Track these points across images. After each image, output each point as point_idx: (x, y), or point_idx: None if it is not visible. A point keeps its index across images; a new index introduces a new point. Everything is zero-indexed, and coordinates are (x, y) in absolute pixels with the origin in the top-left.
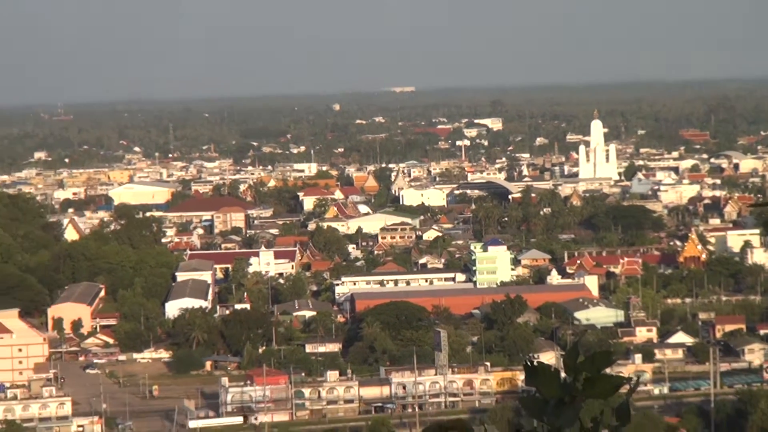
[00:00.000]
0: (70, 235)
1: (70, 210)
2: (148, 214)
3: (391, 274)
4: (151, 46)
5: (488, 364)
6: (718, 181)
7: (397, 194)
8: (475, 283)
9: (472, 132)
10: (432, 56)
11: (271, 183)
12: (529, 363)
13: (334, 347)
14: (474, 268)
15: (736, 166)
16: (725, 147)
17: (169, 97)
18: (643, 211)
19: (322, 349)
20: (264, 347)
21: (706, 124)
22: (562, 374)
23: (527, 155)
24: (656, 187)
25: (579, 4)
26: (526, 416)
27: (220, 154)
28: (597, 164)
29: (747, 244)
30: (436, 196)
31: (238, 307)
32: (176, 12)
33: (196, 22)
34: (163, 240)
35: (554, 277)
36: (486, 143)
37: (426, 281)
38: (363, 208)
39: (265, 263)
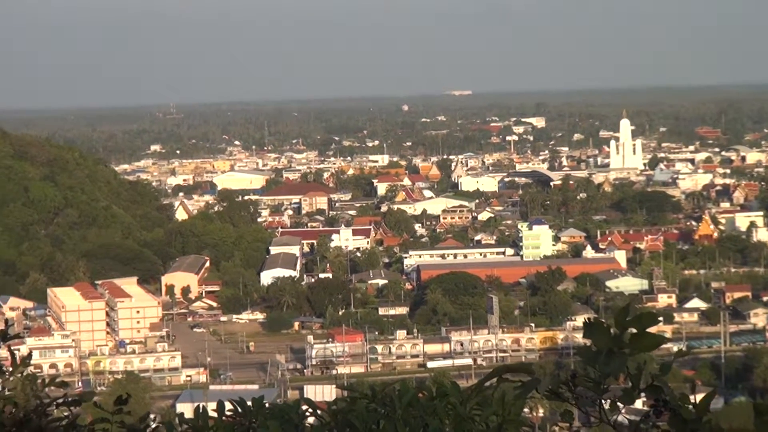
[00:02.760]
0: (181, 215)
1: (181, 194)
2: (246, 197)
3: (451, 249)
4: (251, 55)
5: (533, 324)
6: (728, 171)
7: (456, 181)
8: (521, 256)
9: (519, 129)
10: (486, 64)
11: (350, 171)
12: (587, 320)
13: (402, 310)
14: (521, 243)
15: (744, 158)
16: (734, 142)
17: (265, 99)
18: (664, 196)
19: (392, 311)
20: (343, 310)
21: (717, 123)
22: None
23: (566, 149)
24: (675, 176)
25: (609, 21)
26: (582, 363)
27: (307, 147)
28: (625, 156)
29: (752, 224)
30: (489, 183)
31: (321, 276)
32: (273, 26)
33: (289, 34)
34: (259, 219)
35: (588, 252)
36: (531, 138)
37: (480, 255)
38: (427, 193)
39: (345, 239)
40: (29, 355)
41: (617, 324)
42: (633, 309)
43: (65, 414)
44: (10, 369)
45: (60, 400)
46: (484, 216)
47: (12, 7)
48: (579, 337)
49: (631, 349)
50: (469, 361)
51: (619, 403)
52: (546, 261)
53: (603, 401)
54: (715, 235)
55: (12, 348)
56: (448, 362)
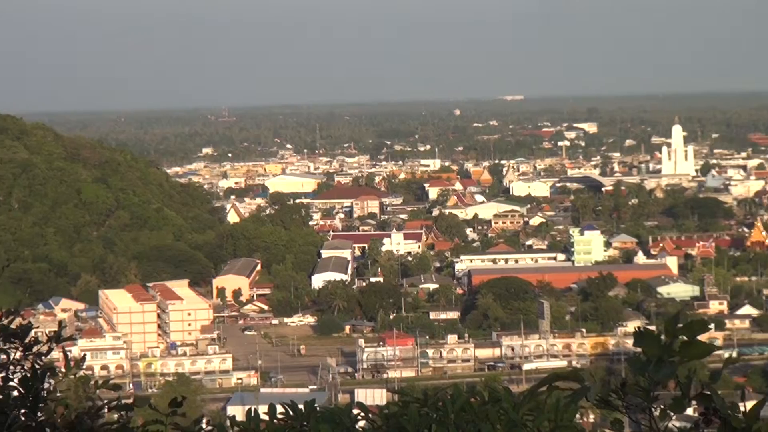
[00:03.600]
0: (232, 217)
1: (232, 197)
2: (297, 200)
3: (503, 254)
4: (303, 58)
5: (584, 330)
6: None
7: (507, 186)
8: (573, 261)
9: (571, 134)
10: (538, 70)
11: (402, 175)
12: (637, 329)
13: (453, 315)
14: (572, 249)
15: None
16: None
17: (317, 102)
18: (716, 202)
19: (443, 316)
20: (394, 314)
21: None
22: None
23: (618, 154)
24: (727, 182)
25: (663, 27)
26: (632, 372)
27: (359, 151)
28: (677, 162)
29: None
30: (541, 188)
31: (373, 279)
32: (326, 29)
33: (341, 37)
34: (310, 222)
35: (640, 258)
36: (583, 144)
37: (532, 260)
38: (479, 198)
39: (396, 243)
40: (83, 358)
41: (667, 332)
42: (683, 317)
43: (117, 416)
44: (63, 370)
45: (113, 404)
46: (535, 221)
47: (64, 12)
48: (630, 343)
49: (681, 358)
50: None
51: (669, 411)
52: (597, 267)
53: (653, 409)
54: (767, 241)
55: (63, 349)
56: (545, 363)
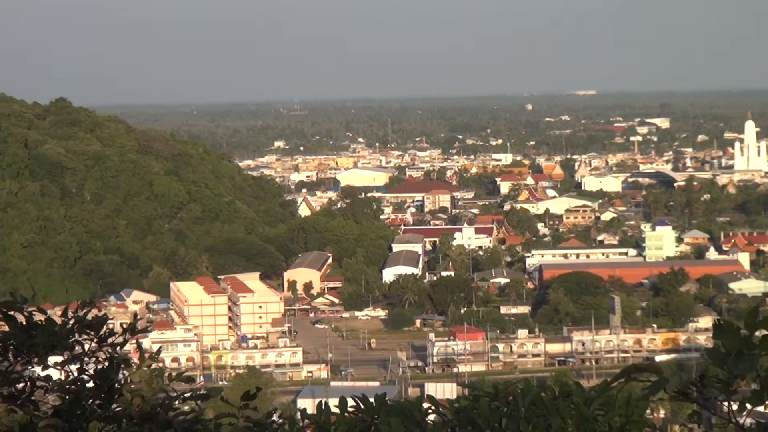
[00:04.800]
0: (304, 211)
1: (304, 190)
2: (369, 194)
3: (574, 249)
4: (375, 52)
5: (655, 325)
6: None
7: (579, 181)
8: (644, 257)
9: (643, 129)
10: (610, 64)
11: (473, 170)
12: (716, 321)
13: (524, 309)
14: (644, 244)
15: None
16: None
17: (389, 96)
18: None
19: (514, 310)
20: (465, 308)
21: None
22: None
23: (690, 150)
24: None
25: (736, 22)
26: (712, 365)
27: (430, 145)
28: (750, 158)
29: None
30: (613, 183)
31: (444, 274)
32: (397, 24)
33: (414, 32)
34: (382, 216)
35: (712, 254)
36: (655, 139)
37: (603, 255)
38: (550, 192)
39: (467, 237)
40: (158, 351)
41: (747, 325)
42: (762, 311)
43: (190, 408)
44: (137, 362)
45: (188, 394)
46: (607, 216)
47: (138, 5)
48: (701, 339)
49: (760, 351)
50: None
51: (747, 405)
52: (669, 262)
53: (731, 402)
54: None
55: (137, 341)
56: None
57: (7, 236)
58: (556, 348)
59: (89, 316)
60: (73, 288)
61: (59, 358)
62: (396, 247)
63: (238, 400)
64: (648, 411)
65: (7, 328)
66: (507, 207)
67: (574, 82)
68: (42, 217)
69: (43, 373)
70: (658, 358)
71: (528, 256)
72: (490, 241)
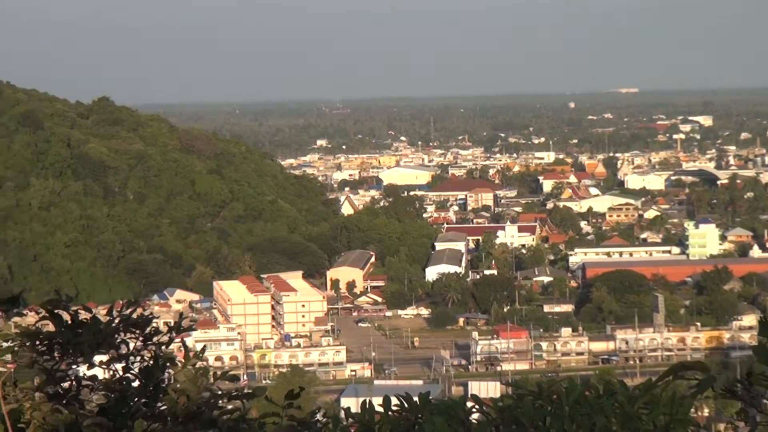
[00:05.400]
0: (346, 209)
1: (346, 189)
2: (411, 193)
3: (617, 247)
4: (418, 51)
5: (698, 324)
6: None
7: (622, 179)
8: (687, 255)
9: (686, 127)
10: (653, 62)
11: (516, 168)
12: (762, 319)
13: (567, 307)
14: (687, 242)
15: None
16: None
17: (431, 95)
18: None
19: (557, 309)
20: (508, 307)
21: None
22: None
23: (733, 147)
24: None
25: None
26: (758, 363)
27: (473, 143)
28: None
29: None
30: (656, 181)
31: (487, 272)
32: (439, 23)
33: (457, 31)
34: (424, 215)
35: (755, 251)
36: (698, 137)
37: (646, 253)
38: (593, 191)
39: (510, 236)
40: (203, 349)
41: None
42: None
43: (234, 407)
44: (182, 361)
45: (233, 393)
46: (650, 214)
47: (181, 4)
48: (745, 337)
49: None
50: None
51: None
52: (712, 260)
53: None
54: None
55: (182, 340)
56: None
57: (50, 235)
58: (599, 346)
59: (134, 315)
60: (116, 287)
61: (104, 357)
62: (439, 246)
63: (281, 399)
64: (692, 409)
65: (52, 327)
66: (550, 205)
67: (616, 80)
68: (85, 216)
69: (88, 372)
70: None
71: (571, 255)
72: (533, 240)
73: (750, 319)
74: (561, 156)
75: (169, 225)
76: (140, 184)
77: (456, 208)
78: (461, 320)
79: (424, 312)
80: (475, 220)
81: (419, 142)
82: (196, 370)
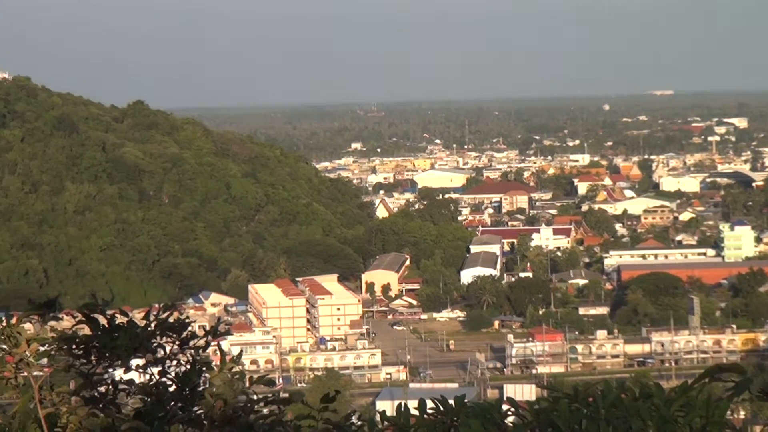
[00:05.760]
0: (381, 212)
1: (381, 192)
2: (446, 195)
3: (652, 249)
4: (453, 54)
5: (734, 326)
6: None
7: (657, 181)
8: (723, 257)
9: (721, 129)
10: (688, 64)
11: (551, 171)
12: None
13: (602, 310)
14: (722, 244)
15: None
16: None
17: (466, 98)
18: None
19: (592, 311)
20: (543, 309)
21: None
22: None
23: None
24: None
25: None
26: None
27: (507, 146)
28: None
29: None
30: (691, 184)
31: (522, 275)
32: (475, 26)
33: (492, 34)
34: (459, 218)
35: None
36: (733, 139)
37: (681, 255)
38: (628, 193)
39: (545, 238)
40: (240, 353)
41: None
42: None
43: (270, 411)
44: (218, 365)
45: (270, 397)
46: (685, 216)
47: (216, 6)
48: None
49: None
50: None
51: None
52: (748, 262)
53: None
54: None
55: (218, 344)
56: None
57: (85, 239)
58: (635, 349)
59: (171, 319)
60: (151, 290)
61: (141, 361)
62: (474, 249)
63: (317, 402)
64: (728, 412)
65: (88, 331)
66: (585, 208)
67: (651, 83)
68: (120, 220)
69: (125, 376)
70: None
71: (606, 257)
72: (568, 242)
73: None
74: (596, 158)
75: (204, 228)
76: (175, 187)
77: (491, 210)
78: (496, 323)
79: (460, 315)
80: (510, 223)
81: (454, 145)
82: (233, 374)
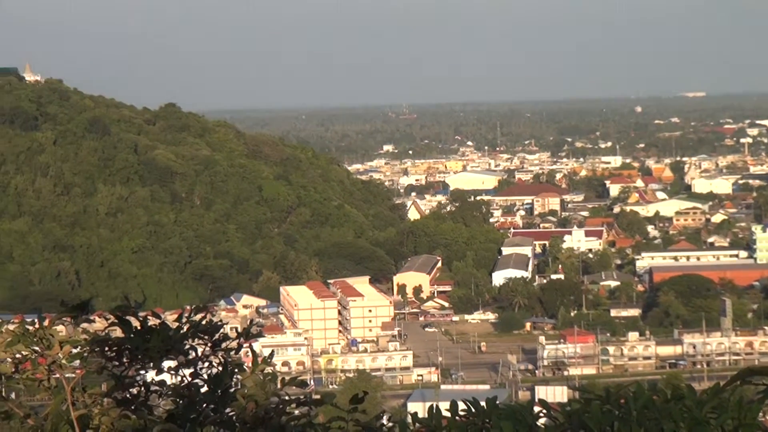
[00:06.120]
0: (413, 214)
1: (413, 194)
2: (478, 197)
3: (684, 251)
4: (483, 55)
5: (766, 328)
6: None
7: (689, 183)
8: (755, 259)
9: (753, 131)
10: (720, 66)
11: (583, 173)
12: None
13: (634, 312)
14: (755, 246)
15: None
16: None
17: (497, 100)
18: None
19: (624, 313)
20: (575, 311)
21: None
22: None
23: None
24: None
25: None
26: None
27: (539, 148)
28: None
29: None
30: (723, 185)
31: (553, 277)
32: (505, 27)
33: (520, 35)
34: (491, 219)
35: None
36: (766, 140)
37: (713, 257)
38: (660, 195)
39: (577, 240)
40: (271, 354)
41: None
42: None
43: (301, 413)
44: (250, 366)
45: (302, 399)
46: (717, 218)
47: (247, 8)
48: None
49: None
50: None
51: None
52: None
53: None
54: None
55: (251, 345)
56: None
57: (117, 241)
58: (666, 351)
59: (203, 321)
60: (183, 292)
61: (173, 363)
62: (506, 250)
63: (347, 403)
64: (760, 414)
65: (121, 333)
66: (617, 209)
67: (683, 84)
68: (152, 222)
69: (157, 378)
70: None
71: (638, 259)
72: (600, 244)
73: None
74: (628, 160)
75: (235, 230)
76: (207, 189)
77: (523, 212)
78: (528, 325)
79: (491, 316)
80: (541, 225)
81: (486, 147)
82: (264, 376)
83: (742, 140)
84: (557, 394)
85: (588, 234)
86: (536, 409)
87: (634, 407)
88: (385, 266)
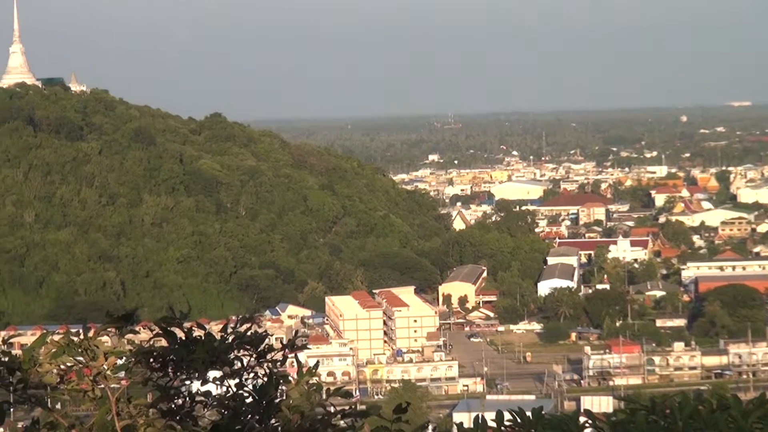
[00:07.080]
0: (458, 224)
1: (458, 203)
2: (523, 207)
3: (730, 261)
4: (528, 65)
5: None
6: None
7: (734, 193)
8: None
9: None
10: (765, 75)
11: (628, 182)
12: None
13: (680, 322)
14: None
15: None
16: None
17: (543, 109)
18: None
19: (669, 323)
20: (620, 321)
21: None
22: None
23: None
24: None
25: None
26: None
27: (584, 158)
28: None
29: None
30: None
31: (599, 287)
32: (554, 38)
33: (572, 45)
34: (536, 229)
35: None
36: None
37: (759, 267)
38: (706, 205)
39: (622, 250)
40: (316, 365)
41: None
42: None
43: (347, 424)
44: (295, 377)
45: (347, 411)
46: (763, 228)
47: (292, 19)
48: None
49: None
50: None
51: None
52: None
53: None
54: None
55: (296, 356)
56: None
57: (162, 251)
58: (712, 361)
59: (248, 333)
60: (228, 303)
61: (218, 374)
62: (551, 260)
63: (392, 414)
64: None
65: (166, 344)
66: (662, 219)
67: (728, 94)
68: (197, 232)
69: (202, 389)
70: None
71: (683, 269)
72: (646, 254)
73: None
74: (673, 170)
75: (281, 241)
76: (252, 199)
77: (568, 222)
78: (573, 335)
79: (536, 327)
80: (587, 235)
81: (531, 157)
82: (309, 387)
83: None
84: (602, 404)
85: (633, 244)
86: (582, 419)
87: (679, 417)
88: (431, 276)
